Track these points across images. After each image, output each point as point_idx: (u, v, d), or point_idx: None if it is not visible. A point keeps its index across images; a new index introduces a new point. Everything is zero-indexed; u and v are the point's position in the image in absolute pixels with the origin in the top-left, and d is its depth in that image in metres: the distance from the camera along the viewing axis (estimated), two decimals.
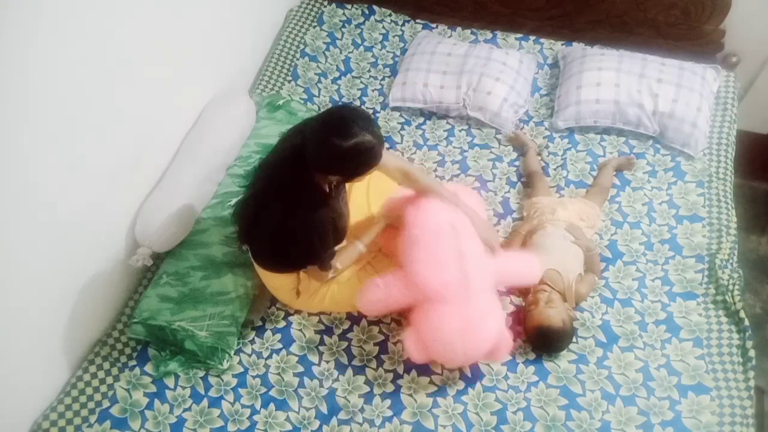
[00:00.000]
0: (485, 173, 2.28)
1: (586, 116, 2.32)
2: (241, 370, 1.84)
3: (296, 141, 1.61)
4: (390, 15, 2.77)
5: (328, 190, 1.65)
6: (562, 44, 2.63)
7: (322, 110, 1.73)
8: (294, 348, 1.88)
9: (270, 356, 1.87)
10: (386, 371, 1.83)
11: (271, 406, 1.78)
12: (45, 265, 1.63)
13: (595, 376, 1.81)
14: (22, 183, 1.49)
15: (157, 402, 1.77)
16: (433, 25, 2.75)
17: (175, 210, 1.90)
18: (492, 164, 2.30)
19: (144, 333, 1.83)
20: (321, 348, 1.88)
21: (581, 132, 2.36)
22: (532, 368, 1.83)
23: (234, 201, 1.98)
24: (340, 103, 1.51)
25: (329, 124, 1.53)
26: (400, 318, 1.91)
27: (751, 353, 1.81)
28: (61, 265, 1.70)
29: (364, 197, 2.00)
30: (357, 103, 2.52)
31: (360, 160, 1.54)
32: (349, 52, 2.67)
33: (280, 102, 2.35)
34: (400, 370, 1.82)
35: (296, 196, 1.62)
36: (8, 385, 1.64)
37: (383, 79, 2.61)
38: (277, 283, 1.86)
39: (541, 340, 1.82)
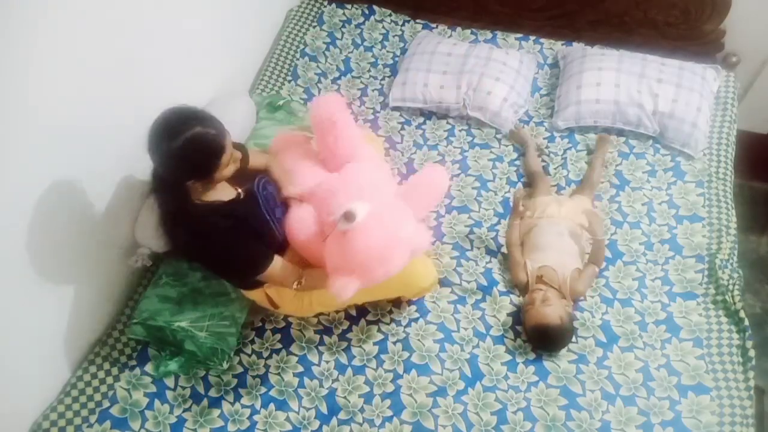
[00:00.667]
0: (485, 173, 2.28)
1: (586, 116, 2.32)
2: (241, 370, 1.84)
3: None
4: (390, 15, 2.77)
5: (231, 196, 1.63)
6: (562, 44, 2.63)
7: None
8: (294, 348, 1.88)
9: (270, 356, 1.87)
10: (386, 371, 1.83)
11: (271, 406, 1.78)
12: (45, 265, 1.63)
13: (595, 376, 1.81)
14: (22, 183, 1.49)
15: (157, 402, 1.77)
16: (433, 25, 2.75)
17: None
18: (492, 164, 2.30)
19: (144, 333, 1.83)
20: (321, 348, 1.88)
21: (581, 132, 2.36)
22: (532, 368, 1.83)
23: None
24: (168, 108, 1.54)
25: (155, 131, 1.49)
26: (400, 318, 1.92)
27: (751, 353, 1.81)
28: (61, 265, 1.69)
29: None
30: (357, 103, 2.53)
31: (200, 154, 1.49)
32: (349, 52, 2.67)
33: (280, 102, 2.35)
34: (400, 370, 1.82)
35: (185, 218, 1.59)
36: (8, 386, 1.64)
37: (383, 79, 2.61)
38: (255, 297, 1.85)
39: (539, 339, 1.83)
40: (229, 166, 1.60)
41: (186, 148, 1.47)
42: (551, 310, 1.80)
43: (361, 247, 1.53)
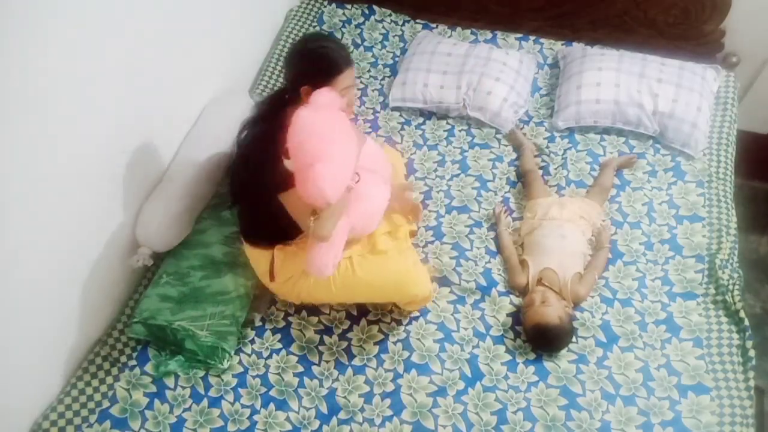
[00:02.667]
0: (485, 173, 2.28)
1: (586, 116, 2.32)
2: (241, 370, 1.84)
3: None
4: (390, 15, 2.77)
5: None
6: (562, 44, 2.63)
7: None
8: (294, 348, 1.88)
9: (270, 356, 1.87)
10: (386, 371, 1.83)
11: (271, 406, 1.78)
12: (45, 265, 1.63)
13: (595, 376, 1.81)
14: (22, 183, 1.49)
15: (157, 402, 1.77)
16: (433, 25, 2.75)
17: (175, 210, 1.90)
18: (492, 164, 2.30)
19: (144, 333, 1.83)
20: (321, 348, 1.88)
21: (581, 132, 2.36)
22: (532, 368, 1.83)
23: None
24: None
25: (301, 39, 1.81)
26: (401, 318, 1.92)
27: (751, 353, 1.81)
28: (61, 265, 1.69)
29: None
30: (357, 103, 2.52)
31: (323, 63, 1.67)
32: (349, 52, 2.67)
33: None
34: (400, 369, 1.82)
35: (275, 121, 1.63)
36: (8, 385, 1.64)
37: (383, 79, 2.61)
38: (256, 258, 1.86)
39: (538, 339, 1.83)
40: (342, 97, 1.67)
41: (316, 53, 1.70)
42: (550, 311, 1.80)
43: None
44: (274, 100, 1.80)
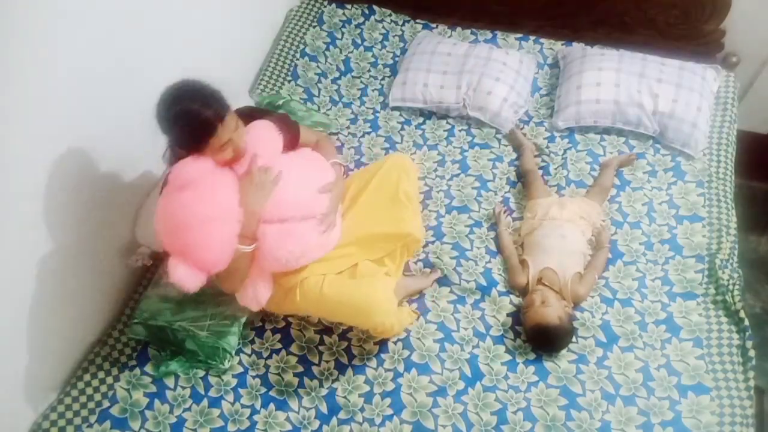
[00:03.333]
0: (485, 173, 2.28)
1: (586, 116, 2.32)
2: (241, 370, 1.84)
3: None
4: (390, 15, 2.77)
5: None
6: (562, 44, 2.63)
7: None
8: (294, 348, 1.88)
9: (270, 356, 1.87)
10: (386, 371, 1.83)
11: (271, 406, 1.78)
12: (45, 266, 1.63)
13: (595, 376, 1.81)
14: (22, 183, 1.49)
15: (157, 402, 1.77)
16: (433, 25, 2.75)
17: None
18: (492, 164, 2.30)
19: (144, 333, 1.83)
20: (321, 348, 1.88)
21: (581, 132, 2.36)
22: (532, 368, 1.83)
23: None
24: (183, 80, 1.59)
25: (162, 96, 1.54)
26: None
27: (751, 353, 1.81)
28: (61, 266, 1.70)
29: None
30: (357, 103, 2.53)
31: (186, 127, 1.53)
32: (349, 52, 2.67)
33: (280, 102, 2.35)
34: (401, 369, 1.82)
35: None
36: (8, 385, 1.64)
37: (383, 79, 2.61)
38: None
39: (538, 339, 1.83)
40: (224, 151, 1.61)
41: (177, 118, 1.52)
42: (550, 311, 1.80)
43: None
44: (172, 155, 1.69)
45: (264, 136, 1.75)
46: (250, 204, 1.62)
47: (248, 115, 1.76)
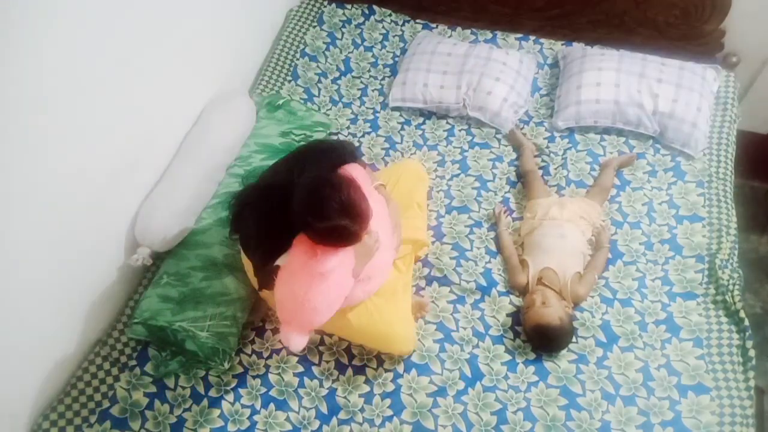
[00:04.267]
0: (485, 173, 2.28)
1: (586, 116, 2.32)
2: (241, 370, 1.84)
3: (286, 182, 1.61)
4: (390, 15, 2.77)
5: None
6: (562, 44, 2.63)
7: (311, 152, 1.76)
8: None
9: (270, 356, 1.87)
10: (386, 371, 1.83)
11: (271, 406, 1.78)
12: (45, 265, 1.63)
13: (595, 376, 1.81)
14: (22, 183, 1.49)
15: (157, 402, 1.77)
16: (433, 25, 2.75)
17: (175, 210, 1.90)
18: (492, 164, 2.30)
19: (144, 333, 1.83)
20: (321, 348, 1.88)
21: (581, 132, 2.36)
22: (532, 368, 1.83)
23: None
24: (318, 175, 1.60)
25: (308, 200, 1.52)
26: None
27: (751, 353, 1.81)
28: (61, 265, 1.69)
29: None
30: (357, 103, 2.53)
31: (333, 238, 1.55)
32: (349, 52, 2.67)
33: (280, 102, 2.35)
34: (400, 369, 1.82)
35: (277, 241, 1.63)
36: (8, 386, 1.64)
37: (383, 79, 2.61)
38: (248, 264, 1.83)
39: (539, 339, 1.83)
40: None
41: (327, 232, 1.53)
42: (550, 311, 1.80)
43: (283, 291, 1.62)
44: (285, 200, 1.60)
45: (363, 182, 1.74)
46: (358, 267, 1.68)
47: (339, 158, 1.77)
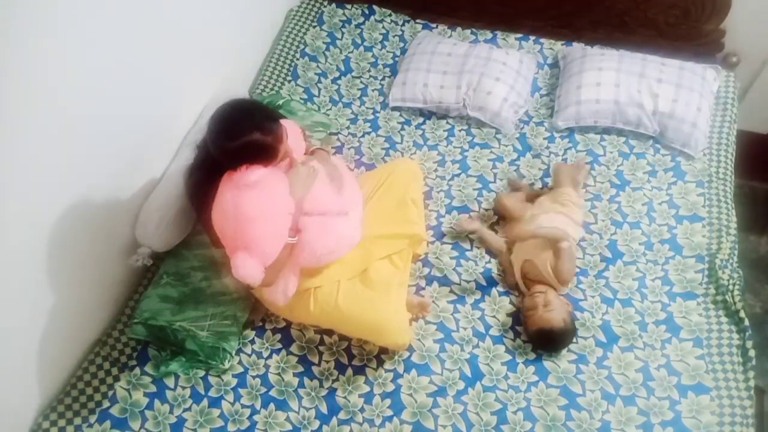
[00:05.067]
0: (486, 173, 2.28)
1: (586, 116, 2.32)
2: (241, 370, 1.84)
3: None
4: (390, 15, 2.77)
5: None
6: (562, 44, 2.63)
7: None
8: (294, 348, 1.88)
9: (270, 356, 1.87)
10: (386, 371, 1.83)
11: (271, 406, 1.78)
12: (45, 265, 1.63)
13: (595, 376, 1.81)
14: (22, 183, 1.49)
15: (157, 402, 1.77)
16: (433, 25, 2.75)
17: (175, 210, 1.90)
18: (492, 164, 2.30)
19: (145, 333, 1.83)
20: (321, 348, 1.88)
21: (581, 132, 2.36)
22: (532, 368, 1.83)
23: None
24: (231, 101, 1.67)
25: (216, 126, 1.61)
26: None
27: (751, 353, 1.81)
28: (61, 265, 1.69)
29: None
30: (357, 103, 2.53)
31: (253, 156, 1.62)
32: (349, 52, 2.67)
33: (280, 102, 2.35)
34: (400, 369, 1.82)
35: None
36: (8, 385, 1.64)
37: (383, 79, 2.61)
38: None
39: (544, 342, 1.83)
40: (281, 162, 1.69)
41: (242, 150, 1.60)
42: (554, 314, 1.80)
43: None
44: (209, 161, 1.71)
45: (295, 134, 1.85)
46: (297, 193, 1.71)
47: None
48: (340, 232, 1.80)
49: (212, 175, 1.69)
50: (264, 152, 1.63)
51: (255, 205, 1.62)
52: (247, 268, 1.63)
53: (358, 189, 1.97)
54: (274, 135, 1.62)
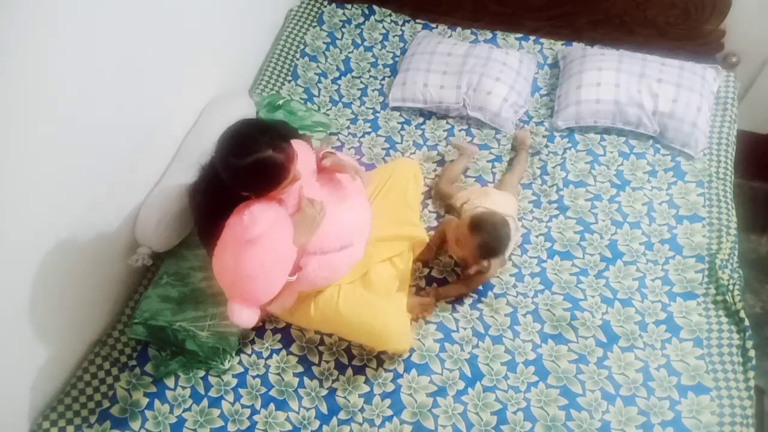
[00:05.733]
0: (485, 174, 2.28)
1: (586, 116, 2.32)
2: (241, 370, 1.84)
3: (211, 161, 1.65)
4: (390, 15, 2.77)
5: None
6: (562, 44, 2.63)
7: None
8: (294, 348, 1.88)
9: (270, 356, 1.87)
10: (386, 371, 1.83)
11: (271, 406, 1.78)
12: (45, 265, 1.63)
13: (595, 376, 1.81)
14: (22, 183, 1.49)
15: (157, 402, 1.77)
16: (433, 25, 2.75)
17: (175, 210, 1.90)
18: (492, 165, 2.30)
19: (145, 333, 1.83)
20: (321, 348, 1.88)
21: (581, 132, 2.36)
22: (532, 368, 1.83)
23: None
24: (244, 119, 1.61)
25: (228, 142, 1.52)
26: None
27: (751, 353, 1.81)
28: (61, 265, 1.69)
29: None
30: (357, 103, 2.53)
31: (262, 176, 1.52)
32: (349, 52, 2.67)
33: (280, 102, 2.35)
34: (400, 369, 1.82)
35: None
36: (8, 385, 1.64)
37: (383, 79, 2.61)
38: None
39: (479, 231, 1.79)
40: (290, 185, 1.62)
41: (252, 169, 1.49)
42: (471, 212, 1.88)
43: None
44: (215, 181, 1.62)
45: (304, 156, 1.74)
46: (301, 239, 1.66)
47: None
48: (341, 262, 1.79)
49: (218, 197, 1.63)
50: (275, 172, 1.53)
51: (256, 263, 1.57)
52: (242, 317, 1.61)
53: (367, 203, 1.94)
54: (285, 154, 1.53)
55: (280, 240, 1.62)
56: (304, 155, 1.72)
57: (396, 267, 1.91)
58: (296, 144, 1.66)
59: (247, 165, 1.48)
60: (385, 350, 1.83)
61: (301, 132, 1.91)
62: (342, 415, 1.75)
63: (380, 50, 2.69)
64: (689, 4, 2.45)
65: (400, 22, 2.77)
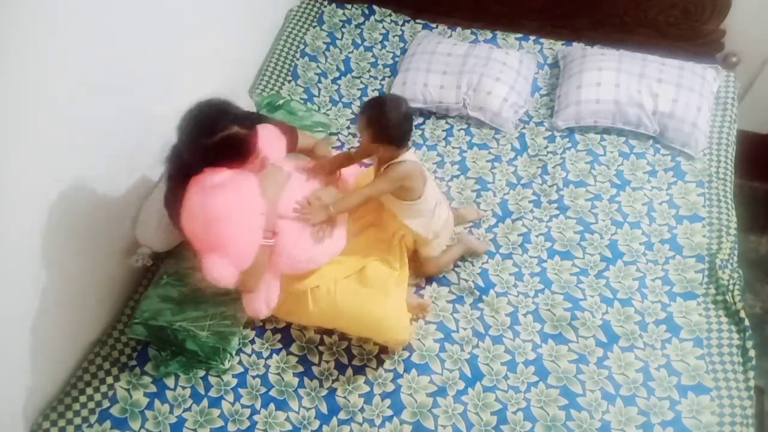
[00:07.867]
0: (484, 174, 2.28)
1: (586, 116, 2.32)
2: (241, 370, 1.84)
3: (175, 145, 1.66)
4: (390, 15, 2.77)
5: None
6: (562, 44, 2.63)
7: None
8: (294, 348, 1.88)
9: (270, 356, 1.87)
10: (386, 371, 1.83)
11: (271, 406, 1.78)
12: (45, 266, 1.63)
13: (595, 376, 1.81)
14: (22, 183, 1.49)
15: (157, 402, 1.77)
16: (433, 25, 2.75)
17: None
18: (491, 165, 2.30)
19: (145, 333, 1.83)
20: (321, 348, 1.88)
21: (581, 132, 2.36)
22: (532, 368, 1.83)
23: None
24: (205, 100, 1.61)
25: (191, 123, 1.56)
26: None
27: (751, 353, 1.81)
28: (61, 265, 1.70)
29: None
30: (357, 103, 2.53)
31: (228, 149, 1.57)
32: (349, 52, 2.67)
33: (280, 102, 2.35)
34: (400, 369, 1.82)
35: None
36: (8, 385, 1.64)
37: (383, 79, 2.61)
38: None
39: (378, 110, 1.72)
40: (252, 165, 1.65)
41: (219, 146, 1.55)
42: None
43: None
44: (181, 168, 1.66)
45: (271, 139, 1.80)
46: (269, 192, 1.67)
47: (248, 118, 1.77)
48: (320, 246, 1.77)
49: (185, 184, 1.63)
50: (243, 147, 1.59)
51: (223, 205, 1.57)
52: (218, 269, 1.59)
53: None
54: (249, 129, 1.59)
55: (246, 187, 1.63)
56: (271, 139, 1.78)
57: (390, 266, 1.89)
58: (265, 128, 1.73)
59: (216, 142, 1.53)
60: (384, 342, 1.82)
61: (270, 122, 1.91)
62: (342, 415, 1.75)
63: (380, 50, 2.69)
64: (689, 4, 2.45)
65: (400, 22, 2.77)
